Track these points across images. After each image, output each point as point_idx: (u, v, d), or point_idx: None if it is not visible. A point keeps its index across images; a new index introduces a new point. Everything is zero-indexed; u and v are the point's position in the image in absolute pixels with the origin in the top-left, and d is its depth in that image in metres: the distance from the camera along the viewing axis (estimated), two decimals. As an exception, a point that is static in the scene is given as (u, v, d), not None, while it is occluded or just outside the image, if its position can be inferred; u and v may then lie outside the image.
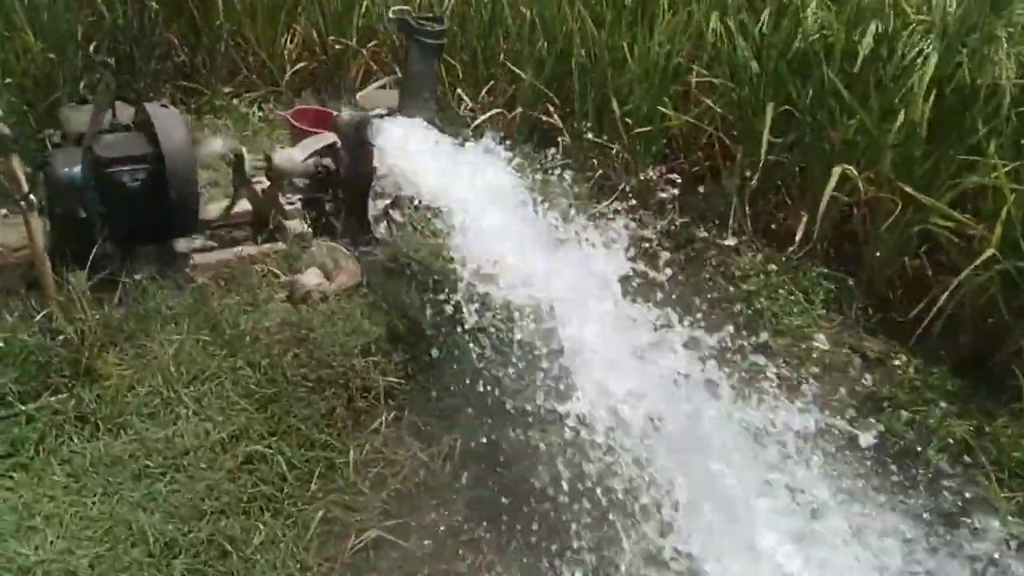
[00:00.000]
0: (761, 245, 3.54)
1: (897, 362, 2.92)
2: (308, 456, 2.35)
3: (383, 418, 2.55)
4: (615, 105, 3.84)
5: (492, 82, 4.24)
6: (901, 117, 2.99)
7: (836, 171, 3.13)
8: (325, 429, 2.45)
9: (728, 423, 2.40)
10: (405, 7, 3.36)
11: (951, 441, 2.61)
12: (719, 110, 3.70)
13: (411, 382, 2.67)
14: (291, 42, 4.40)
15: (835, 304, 3.23)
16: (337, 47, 4.31)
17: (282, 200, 3.15)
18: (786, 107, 3.42)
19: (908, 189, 3.02)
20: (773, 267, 3.34)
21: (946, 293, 2.86)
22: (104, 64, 3.19)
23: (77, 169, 2.62)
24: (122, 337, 2.47)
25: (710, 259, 3.48)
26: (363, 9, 4.37)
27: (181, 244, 3.00)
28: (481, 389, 2.65)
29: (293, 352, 2.60)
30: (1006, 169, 2.77)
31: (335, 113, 3.32)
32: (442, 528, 2.29)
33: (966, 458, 2.57)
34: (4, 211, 3.34)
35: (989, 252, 2.69)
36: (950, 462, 2.56)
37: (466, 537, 2.27)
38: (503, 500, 2.35)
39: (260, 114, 4.19)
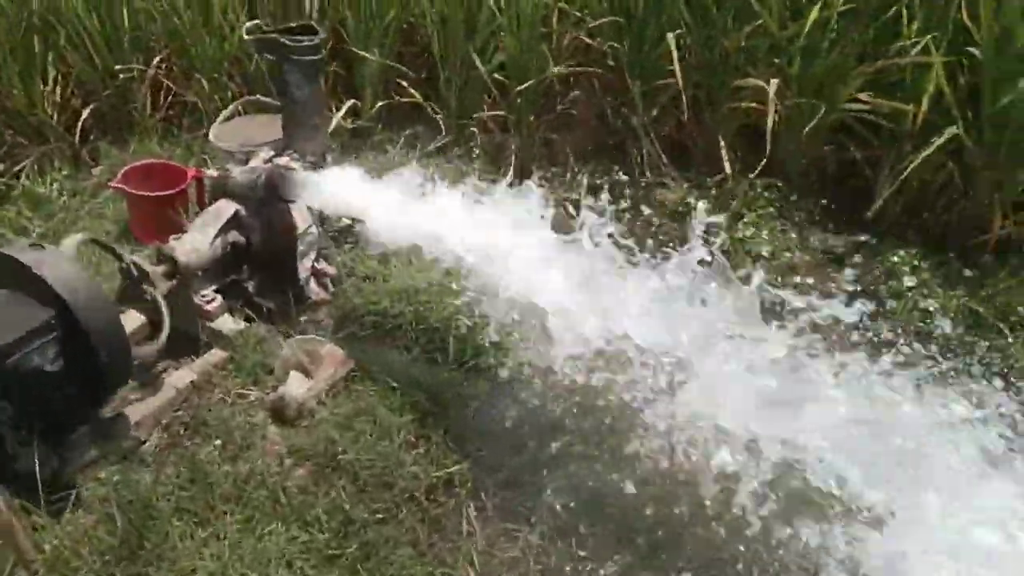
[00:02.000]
0: (681, 175, 3.46)
1: (864, 255, 3.04)
2: (431, 601, 1.98)
3: (465, 514, 2.21)
4: (479, 63, 3.48)
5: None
6: (814, 14, 2.96)
7: (763, 85, 3.09)
8: (423, 560, 2.06)
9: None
10: (256, 21, 2.70)
11: (954, 313, 2.77)
12: (593, 43, 3.49)
13: (466, 459, 2.32)
14: (47, 84, 3.45)
15: (777, 212, 3.25)
16: (122, 76, 3.45)
17: (199, 301, 2.52)
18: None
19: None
20: (713, 192, 3.28)
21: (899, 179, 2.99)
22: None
23: (-38, 375, 1.88)
24: (145, 566, 1.86)
25: (644, 200, 3.36)
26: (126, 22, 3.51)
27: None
28: (539, 429, 2.41)
29: (339, 486, 2.15)
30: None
31: (214, 172, 2.67)
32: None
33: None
34: None
35: (952, 130, 2.80)
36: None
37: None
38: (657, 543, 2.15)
39: (56, 186, 3.29)
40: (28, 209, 3.15)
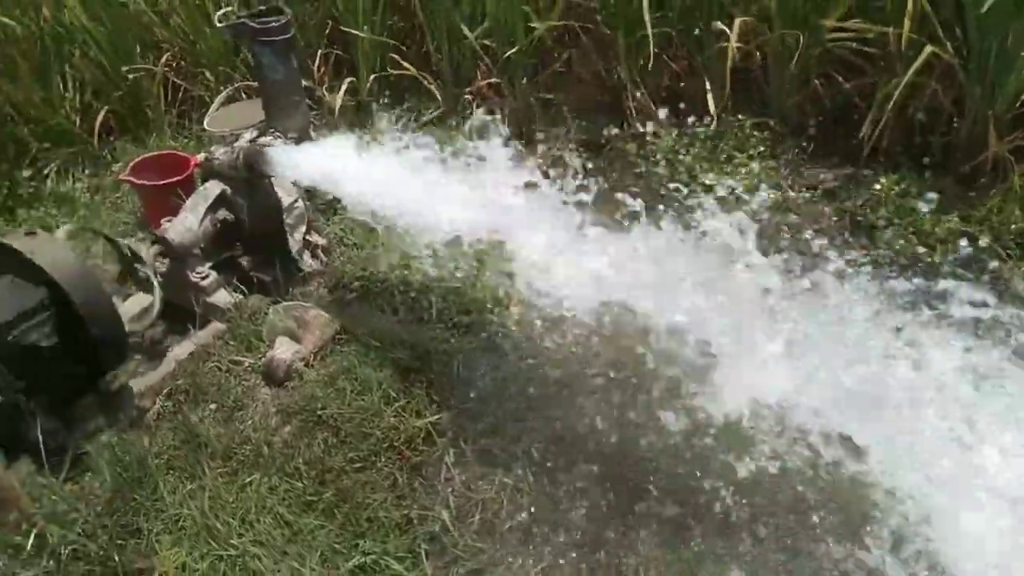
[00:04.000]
0: (673, 123, 3.45)
1: (854, 187, 2.99)
2: (406, 542, 2.08)
3: (445, 461, 2.30)
4: (466, 31, 3.54)
5: (319, 52, 3.79)
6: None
7: (737, 22, 3.04)
8: (401, 504, 2.17)
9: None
10: (229, 8, 2.84)
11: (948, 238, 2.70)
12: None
13: (447, 410, 2.42)
14: (67, 90, 3.68)
15: (768, 152, 3.21)
16: (131, 77, 3.65)
17: (194, 278, 2.68)
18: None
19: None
20: (700, 136, 3.26)
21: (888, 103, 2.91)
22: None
23: (-33, 352, 2.07)
24: (135, 516, 2.03)
25: (632, 153, 3.36)
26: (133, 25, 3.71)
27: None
28: (514, 376, 2.49)
29: (320, 439, 2.28)
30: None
31: (202, 156, 2.83)
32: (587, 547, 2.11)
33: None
34: None
35: (928, 50, 2.72)
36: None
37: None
38: (622, 486, 2.21)
39: (80, 185, 3.52)
40: (54, 208, 3.38)
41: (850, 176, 3.06)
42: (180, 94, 3.86)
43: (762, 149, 3.18)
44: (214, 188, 2.71)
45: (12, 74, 3.44)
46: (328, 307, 2.68)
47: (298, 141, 2.81)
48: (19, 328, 2.12)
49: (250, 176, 2.67)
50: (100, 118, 3.67)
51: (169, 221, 2.65)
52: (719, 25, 3.15)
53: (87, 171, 3.61)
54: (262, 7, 2.75)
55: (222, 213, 2.73)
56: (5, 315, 2.10)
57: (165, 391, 2.49)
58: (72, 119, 3.66)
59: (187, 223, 2.64)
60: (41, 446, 2.10)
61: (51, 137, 3.63)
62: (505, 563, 2.07)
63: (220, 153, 2.73)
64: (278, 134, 2.80)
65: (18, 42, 3.42)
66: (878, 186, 2.87)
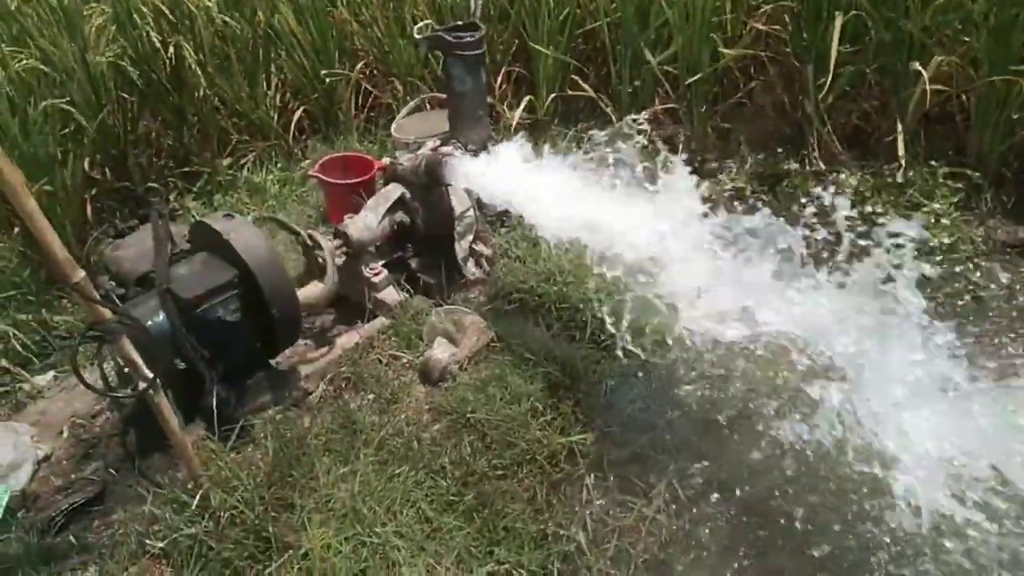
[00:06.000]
0: (855, 162, 3.29)
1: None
2: (540, 557, 2.08)
3: (585, 483, 2.29)
4: (650, 56, 3.53)
5: (503, 69, 3.89)
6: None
7: (934, 61, 2.87)
8: (538, 518, 2.18)
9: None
10: (427, 22, 2.98)
11: None
12: (767, 28, 3.41)
13: (592, 431, 2.41)
14: (270, 88, 3.97)
15: (963, 203, 3.00)
16: (328, 81, 3.90)
17: (368, 273, 2.82)
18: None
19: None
20: (886, 181, 3.09)
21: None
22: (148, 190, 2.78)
23: (161, 318, 2.26)
24: (290, 491, 2.15)
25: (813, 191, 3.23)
26: (334, 32, 3.96)
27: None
28: (662, 408, 2.45)
29: (467, 441, 2.32)
30: None
31: (389, 160, 2.97)
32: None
33: None
34: (52, 373, 2.98)
35: None
36: None
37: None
38: (758, 530, 2.12)
39: (271, 177, 3.78)
40: (247, 196, 3.65)
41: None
42: (370, 100, 4.07)
43: (955, 200, 2.97)
44: (395, 191, 2.83)
45: (227, 70, 3.75)
46: (486, 315, 2.74)
47: (477, 153, 2.89)
48: (209, 302, 2.30)
49: (430, 183, 2.78)
50: (296, 117, 3.94)
51: (351, 218, 2.79)
52: (917, 66, 2.99)
53: (279, 164, 3.87)
54: (458, 22, 2.86)
55: (399, 215, 2.86)
56: (198, 289, 2.29)
57: (328, 376, 2.63)
58: (271, 115, 3.94)
59: (367, 221, 2.77)
60: (214, 414, 2.26)
61: (251, 130, 3.93)
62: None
63: (404, 159, 2.86)
64: (459, 145, 2.90)
65: (234, 41, 3.72)
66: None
